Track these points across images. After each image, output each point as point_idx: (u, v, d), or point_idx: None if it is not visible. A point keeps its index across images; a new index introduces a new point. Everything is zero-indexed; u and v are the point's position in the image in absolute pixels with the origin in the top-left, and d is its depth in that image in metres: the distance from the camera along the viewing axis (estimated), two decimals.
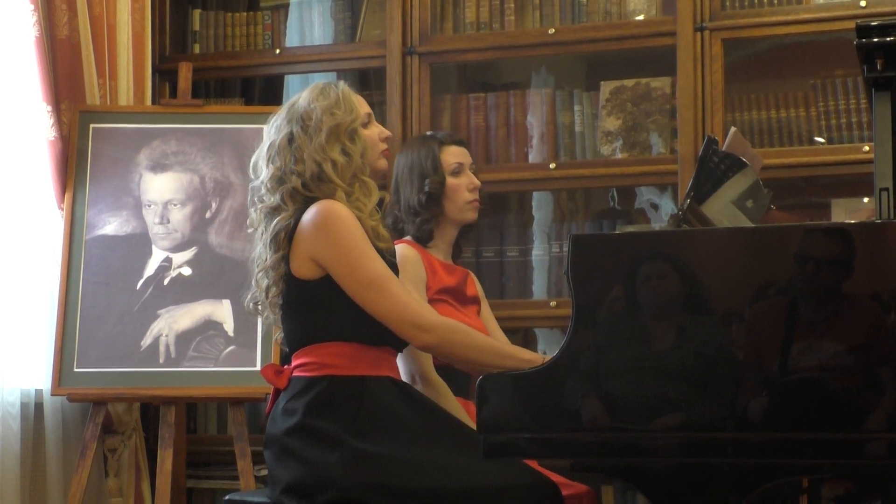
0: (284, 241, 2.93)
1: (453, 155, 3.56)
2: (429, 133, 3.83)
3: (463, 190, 3.53)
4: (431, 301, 3.33)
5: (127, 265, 4.21)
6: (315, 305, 2.92)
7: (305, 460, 2.82)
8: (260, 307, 3.05)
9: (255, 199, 3.03)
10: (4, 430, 3.95)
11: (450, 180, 3.52)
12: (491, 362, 2.83)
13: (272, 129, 3.03)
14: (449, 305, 3.40)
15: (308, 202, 2.93)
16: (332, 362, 2.89)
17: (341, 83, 3.08)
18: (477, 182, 3.58)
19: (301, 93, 3.06)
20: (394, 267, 3.01)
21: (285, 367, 2.98)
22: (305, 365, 2.92)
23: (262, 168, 3.01)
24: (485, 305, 3.63)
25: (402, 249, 3.36)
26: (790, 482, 3.03)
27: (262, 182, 2.99)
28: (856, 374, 2.38)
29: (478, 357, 2.90)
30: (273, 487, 2.90)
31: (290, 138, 2.97)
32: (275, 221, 2.95)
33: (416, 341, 2.91)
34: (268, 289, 2.99)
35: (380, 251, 2.94)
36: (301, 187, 2.94)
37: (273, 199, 2.96)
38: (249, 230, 3.08)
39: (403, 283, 3.00)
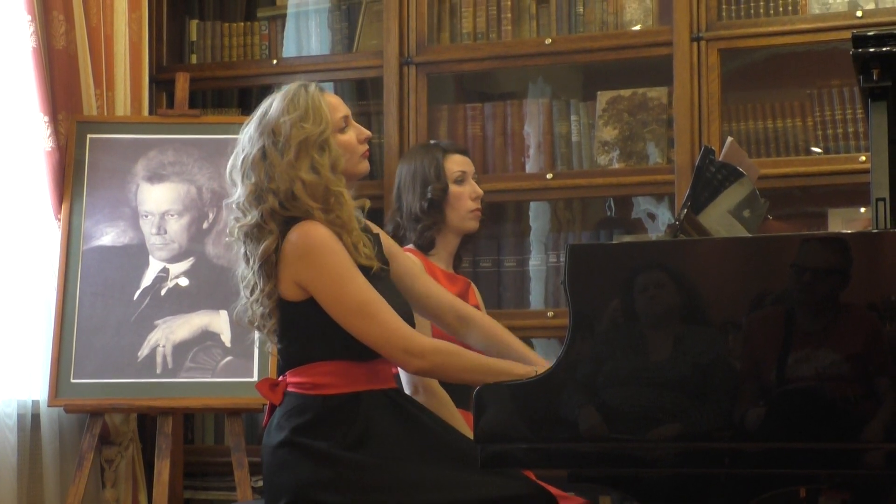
0: (274, 267, 2.89)
1: (457, 163, 3.56)
2: (432, 142, 3.83)
3: (465, 198, 3.53)
4: None
5: (124, 276, 4.21)
6: (304, 326, 2.89)
7: (299, 477, 2.81)
8: (256, 326, 3.01)
9: (233, 217, 2.96)
10: (1, 441, 3.95)
11: (453, 188, 3.52)
12: (485, 381, 2.82)
13: (245, 138, 2.96)
14: None
15: (288, 221, 2.89)
16: (325, 382, 2.87)
17: (312, 87, 2.97)
18: (479, 191, 3.58)
19: (274, 97, 2.97)
20: (383, 279, 2.97)
21: (280, 378, 2.97)
22: (299, 384, 2.90)
23: (237, 181, 2.95)
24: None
25: None
26: (787, 492, 3.02)
27: (238, 199, 2.93)
28: (853, 383, 2.38)
29: (472, 378, 2.83)
30: (269, 500, 2.89)
31: (263, 153, 2.90)
32: (261, 247, 2.88)
33: (408, 367, 2.89)
34: (263, 317, 2.94)
35: (363, 268, 2.89)
36: (279, 207, 2.88)
37: (252, 217, 2.90)
38: (227, 239, 3.05)
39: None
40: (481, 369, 2.85)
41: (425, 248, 3.51)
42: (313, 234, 2.85)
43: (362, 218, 3.06)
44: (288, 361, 2.95)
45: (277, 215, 2.88)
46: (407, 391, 3.16)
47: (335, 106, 2.99)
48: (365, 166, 3.05)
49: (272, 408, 2.96)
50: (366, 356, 2.88)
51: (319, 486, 2.78)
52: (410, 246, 3.49)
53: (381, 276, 2.95)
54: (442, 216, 3.51)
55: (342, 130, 2.99)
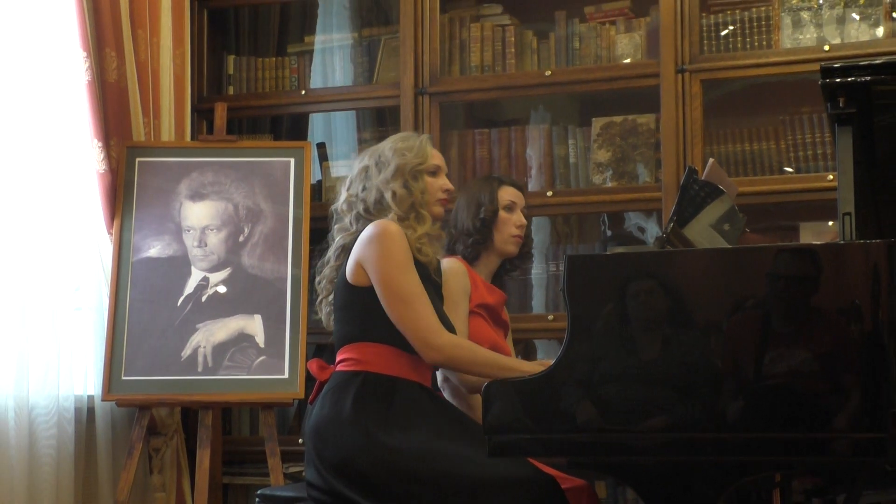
0: (343, 254, 3.06)
1: (509, 194, 3.59)
2: (493, 175, 3.87)
3: (511, 225, 3.56)
4: (470, 313, 3.35)
5: (169, 284, 4.22)
6: (362, 309, 2.97)
7: (341, 446, 2.86)
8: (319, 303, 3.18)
9: (336, 226, 3.16)
10: (60, 432, 3.96)
11: (502, 213, 3.55)
12: (494, 375, 2.84)
13: (358, 160, 3.15)
14: (484, 321, 3.42)
15: (369, 223, 3.02)
16: (370, 360, 2.94)
17: (425, 136, 3.17)
18: (524, 221, 3.60)
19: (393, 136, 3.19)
20: (434, 284, 3.05)
21: (330, 365, 3.04)
22: (346, 360, 2.97)
23: (342, 193, 3.14)
24: (509, 336, 3.66)
25: (451, 262, 3.41)
26: (764, 477, 3.02)
27: (337, 205, 3.13)
28: (822, 379, 2.38)
29: (482, 371, 2.94)
30: (315, 466, 2.92)
31: (366, 170, 3.09)
32: (340, 237, 3.09)
33: (426, 357, 2.95)
34: (325, 293, 3.12)
35: (421, 265, 2.98)
36: (363, 211, 3.06)
37: (344, 221, 3.10)
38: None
39: (449, 300, 3.14)
40: (492, 364, 2.93)
41: (470, 259, 3.54)
42: (385, 225, 2.97)
43: (439, 251, 3.19)
44: (340, 340, 3.02)
45: (362, 218, 3.05)
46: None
47: (435, 155, 3.15)
48: (440, 210, 3.14)
49: (319, 386, 3.00)
50: (411, 348, 2.93)
51: (358, 456, 2.83)
52: (458, 255, 3.52)
53: (435, 282, 3.06)
54: (489, 235, 3.54)
55: (432, 174, 3.11)
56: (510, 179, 3.72)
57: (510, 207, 3.57)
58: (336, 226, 3.15)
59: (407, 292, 2.91)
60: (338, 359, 3.01)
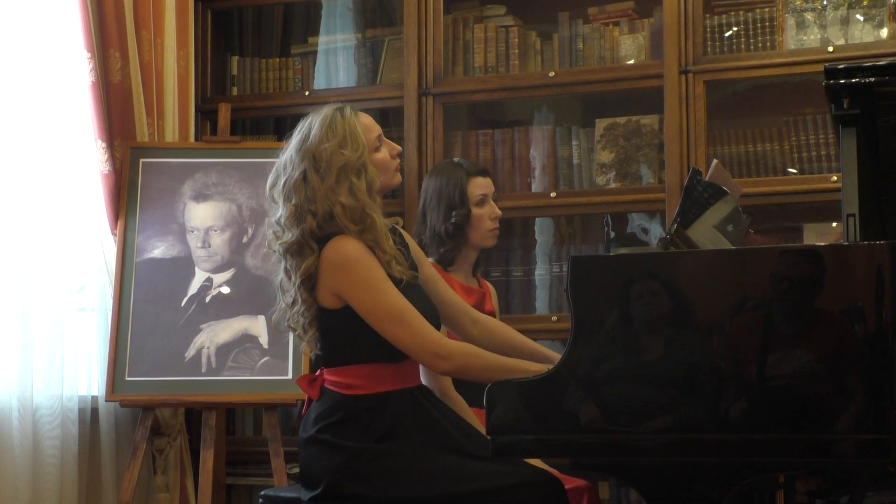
0: (314, 282, 2.85)
1: (479, 186, 3.55)
2: (456, 160, 3.77)
3: (486, 219, 3.52)
4: None
5: (173, 285, 4.22)
6: (341, 332, 2.87)
7: (330, 469, 2.80)
8: (297, 335, 2.96)
9: (272, 232, 2.93)
10: (64, 432, 3.97)
11: (475, 210, 3.51)
12: (504, 378, 2.81)
13: (286, 159, 2.91)
14: None
15: (325, 238, 2.85)
16: (358, 383, 2.85)
17: (347, 111, 2.92)
18: (498, 212, 3.57)
19: (312, 121, 2.93)
20: (414, 288, 2.95)
21: (318, 373, 2.95)
22: (335, 383, 2.88)
23: (278, 201, 2.90)
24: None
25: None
26: (767, 478, 3.02)
27: (279, 218, 2.89)
28: (825, 380, 2.38)
29: (492, 376, 2.77)
30: (305, 487, 2.89)
31: (304, 177, 2.85)
32: (304, 264, 2.84)
33: (437, 369, 2.85)
34: (304, 327, 2.90)
35: (395, 280, 2.86)
36: (316, 228, 2.84)
37: (292, 235, 2.85)
38: (264, 250, 3.01)
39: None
40: (501, 367, 2.82)
41: (445, 264, 3.52)
42: (348, 248, 2.81)
43: (397, 228, 3.05)
44: (326, 362, 2.93)
45: (315, 234, 2.85)
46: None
47: (369, 127, 2.95)
48: (398, 179, 3.01)
49: (310, 401, 2.95)
50: (396, 357, 2.85)
51: (349, 476, 2.77)
52: (432, 260, 3.49)
53: (412, 283, 2.92)
54: (464, 236, 3.51)
55: (377, 149, 2.95)
56: (476, 167, 3.64)
57: (482, 201, 3.53)
58: (278, 241, 2.87)
59: (394, 312, 2.79)
60: (325, 376, 2.91)
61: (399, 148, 3.02)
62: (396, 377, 2.88)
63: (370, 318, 2.81)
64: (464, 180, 3.53)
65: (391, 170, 2.98)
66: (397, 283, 2.86)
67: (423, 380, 3.13)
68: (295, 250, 2.86)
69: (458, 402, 3.19)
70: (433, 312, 2.96)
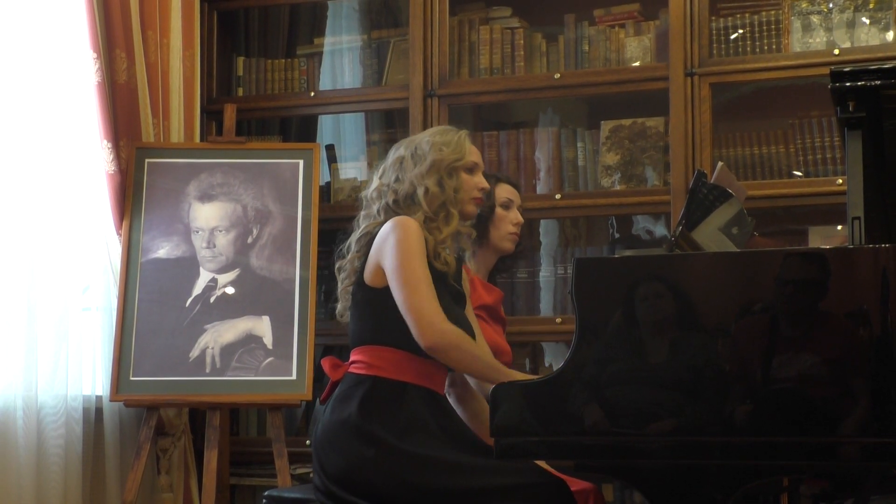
0: (365, 245, 2.99)
1: (506, 191, 3.62)
2: (490, 173, 3.86)
3: (507, 222, 3.58)
4: None
5: (177, 285, 4.22)
6: (376, 310, 2.92)
7: (347, 453, 2.83)
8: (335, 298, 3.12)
9: (363, 213, 3.09)
10: (69, 431, 3.97)
11: (499, 210, 3.57)
12: (488, 376, 2.82)
13: (394, 149, 3.09)
14: (483, 321, 3.41)
15: (393, 217, 2.96)
16: (381, 364, 2.90)
17: (464, 131, 3.10)
18: (520, 219, 3.62)
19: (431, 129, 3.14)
20: (453, 290, 3.00)
21: (344, 363, 2.99)
22: (358, 363, 2.93)
23: (373, 181, 3.07)
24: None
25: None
26: (772, 481, 3.02)
27: (367, 193, 3.06)
28: (830, 383, 2.38)
29: (477, 368, 2.87)
30: (319, 474, 2.91)
31: (401, 161, 3.02)
32: (365, 224, 3.02)
33: (425, 338, 2.82)
34: (346, 283, 3.04)
35: (438, 272, 2.92)
36: (392, 203, 2.99)
37: (371, 209, 3.03)
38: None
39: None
40: (488, 365, 2.88)
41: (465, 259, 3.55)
42: (403, 222, 2.92)
43: (464, 256, 3.16)
44: (355, 340, 2.98)
45: (390, 210, 2.98)
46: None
47: (473, 151, 3.09)
48: (473, 209, 3.10)
49: (333, 385, 2.97)
50: (421, 351, 2.87)
51: (364, 465, 2.80)
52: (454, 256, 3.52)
53: (452, 290, 3.01)
54: (486, 232, 3.55)
55: (469, 171, 3.06)
56: (507, 177, 3.74)
57: (507, 205, 3.59)
58: (363, 212, 3.07)
59: (413, 277, 2.84)
60: (350, 358, 2.98)
61: (487, 186, 3.13)
62: (419, 373, 2.90)
63: (393, 277, 2.87)
64: (493, 183, 3.59)
65: (469, 196, 3.07)
66: (440, 276, 2.93)
67: (471, 380, 3.15)
68: (367, 220, 3.03)
69: (482, 405, 3.18)
70: (467, 325, 2.98)
